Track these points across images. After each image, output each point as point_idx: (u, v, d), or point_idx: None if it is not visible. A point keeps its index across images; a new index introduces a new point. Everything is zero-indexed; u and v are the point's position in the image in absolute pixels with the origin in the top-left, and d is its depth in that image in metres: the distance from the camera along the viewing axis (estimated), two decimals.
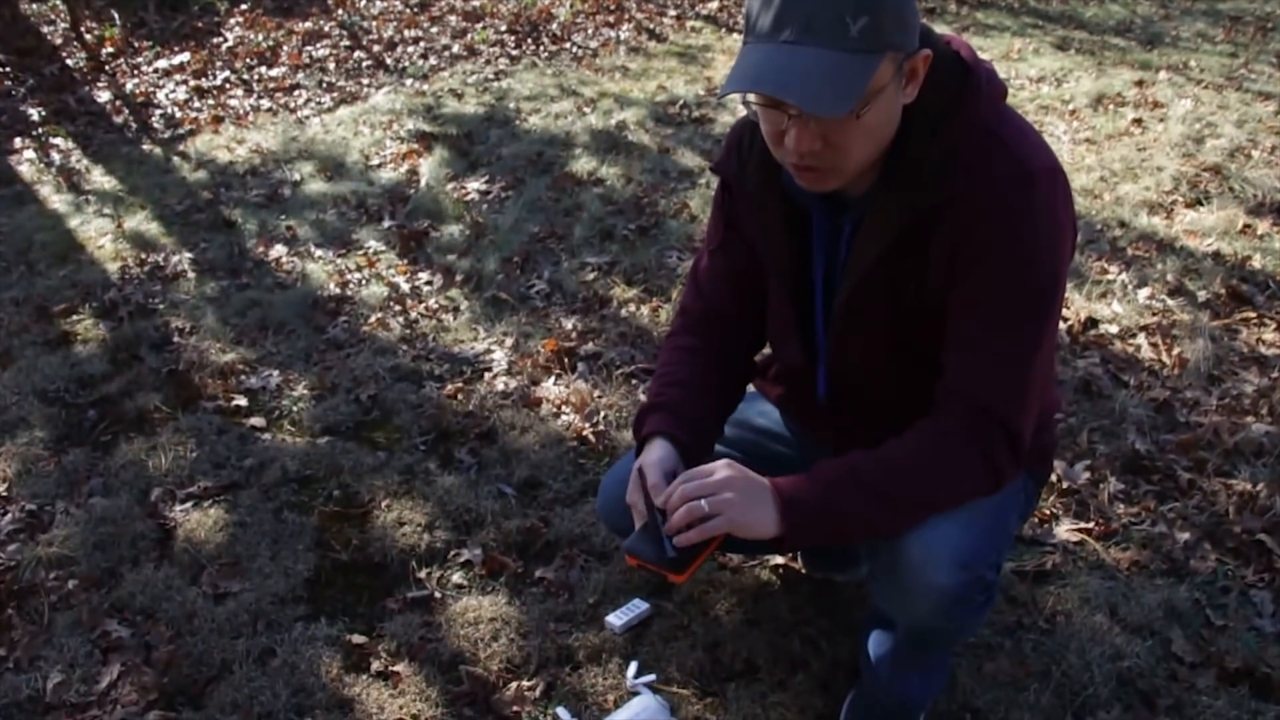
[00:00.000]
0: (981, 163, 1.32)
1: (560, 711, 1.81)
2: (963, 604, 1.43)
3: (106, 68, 6.10)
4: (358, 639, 2.00)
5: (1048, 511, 2.25)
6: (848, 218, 1.44)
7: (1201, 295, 3.14)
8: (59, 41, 6.49)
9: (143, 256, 3.78)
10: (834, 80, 1.20)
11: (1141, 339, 2.93)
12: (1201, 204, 3.79)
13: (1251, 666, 1.85)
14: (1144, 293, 3.17)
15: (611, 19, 6.81)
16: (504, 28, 6.61)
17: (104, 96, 5.70)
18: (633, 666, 1.86)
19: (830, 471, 1.38)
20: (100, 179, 4.62)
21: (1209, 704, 1.78)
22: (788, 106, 1.25)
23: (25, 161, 4.86)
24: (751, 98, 1.29)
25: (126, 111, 5.51)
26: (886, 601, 1.52)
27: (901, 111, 1.32)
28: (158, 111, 5.50)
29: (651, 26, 6.69)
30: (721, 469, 1.36)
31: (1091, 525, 2.21)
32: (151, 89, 5.77)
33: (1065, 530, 2.20)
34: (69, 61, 6.17)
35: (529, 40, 6.42)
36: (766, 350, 1.74)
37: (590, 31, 6.58)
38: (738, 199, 1.57)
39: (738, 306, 1.65)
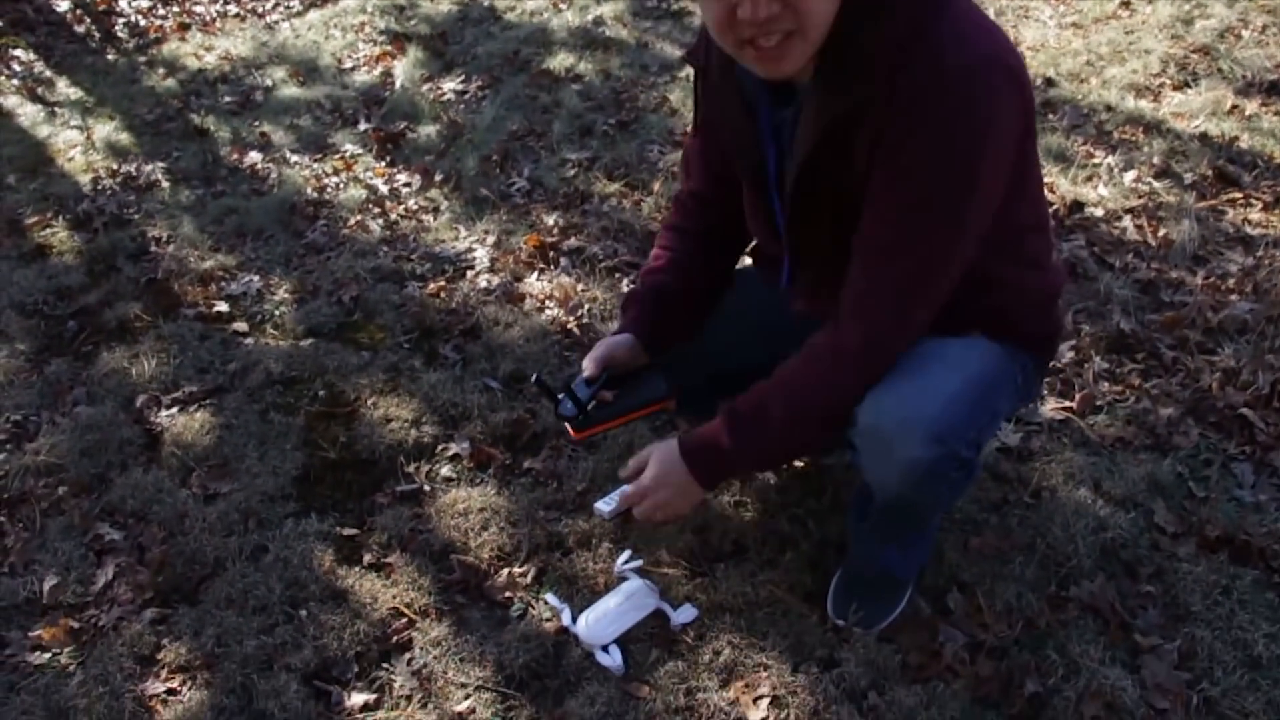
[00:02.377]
0: (902, 64, 1.27)
1: (549, 597, 1.83)
2: (936, 478, 1.44)
3: None
4: (349, 532, 2.02)
5: None
6: (790, 110, 1.42)
7: (1188, 177, 3.11)
8: None
9: (114, 167, 3.71)
10: None
11: (1127, 221, 2.90)
12: (1189, 86, 3.73)
13: (1231, 535, 1.88)
14: (1130, 175, 3.13)
15: None
16: None
17: (63, 5, 5.52)
18: (624, 554, 1.88)
19: (718, 426, 1.52)
20: (66, 90, 4.50)
21: (1189, 570, 1.81)
22: None
23: None
24: None
25: (88, 20, 5.34)
26: (867, 470, 1.53)
27: None
28: (120, 20, 5.33)
29: None
30: (649, 470, 1.56)
31: (1076, 404, 2.22)
32: None
33: (1050, 409, 2.21)
34: None
35: None
36: None
37: None
38: (706, 87, 1.56)
39: (718, 187, 1.67)
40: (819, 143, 1.36)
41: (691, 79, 1.64)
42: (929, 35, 1.27)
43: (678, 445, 1.54)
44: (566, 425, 1.65)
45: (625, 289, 2.74)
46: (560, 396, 1.63)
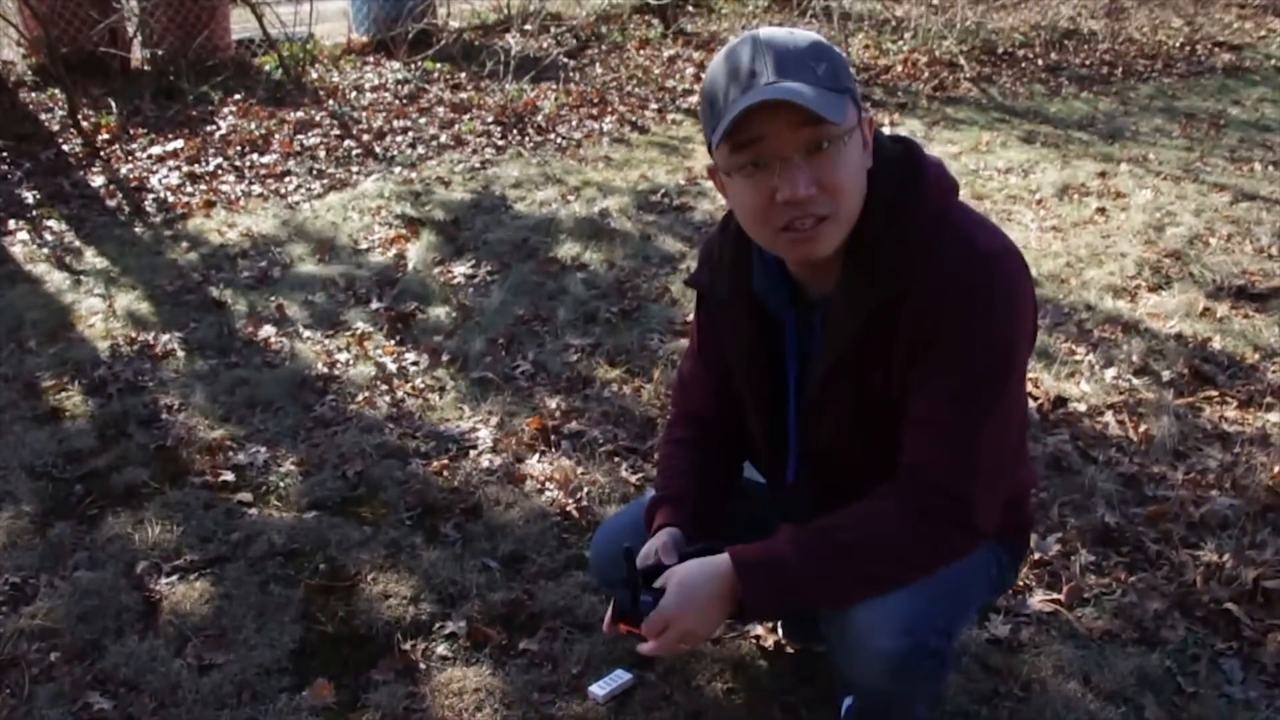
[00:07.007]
0: (935, 249, 1.40)
1: None
2: (910, 670, 1.46)
3: (101, 153, 6.22)
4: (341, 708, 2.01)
5: (1021, 583, 2.30)
6: (818, 314, 1.53)
7: (1166, 375, 3.25)
8: (56, 128, 6.62)
9: (133, 335, 3.84)
10: (822, 99, 1.31)
11: (1109, 416, 3.02)
12: (1163, 288, 3.94)
13: None
14: (1110, 372, 3.27)
15: (595, 111, 7.03)
16: (490, 119, 6.80)
17: (98, 181, 5.81)
18: None
19: (781, 541, 1.46)
20: (93, 259, 4.69)
21: None
22: (778, 153, 1.33)
23: (18, 243, 4.93)
24: (739, 160, 1.36)
25: (120, 195, 5.61)
26: (841, 667, 1.56)
27: (865, 181, 1.41)
28: (150, 196, 5.60)
29: (634, 119, 6.90)
30: (670, 596, 1.46)
31: (1063, 596, 2.26)
32: (145, 174, 5.89)
33: (1039, 601, 2.25)
34: (65, 147, 6.29)
35: (515, 131, 6.61)
36: None
37: (574, 123, 6.78)
38: (711, 309, 1.67)
39: (720, 407, 1.75)
40: (856, 335, 1.45)
41: (696, 301, 1.76)
42: (953, 224, 1.42)
43: (729, 559, 1.45)
44: (624, 626, 1.53)
45: (625, 474, 2.81)
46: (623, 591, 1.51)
